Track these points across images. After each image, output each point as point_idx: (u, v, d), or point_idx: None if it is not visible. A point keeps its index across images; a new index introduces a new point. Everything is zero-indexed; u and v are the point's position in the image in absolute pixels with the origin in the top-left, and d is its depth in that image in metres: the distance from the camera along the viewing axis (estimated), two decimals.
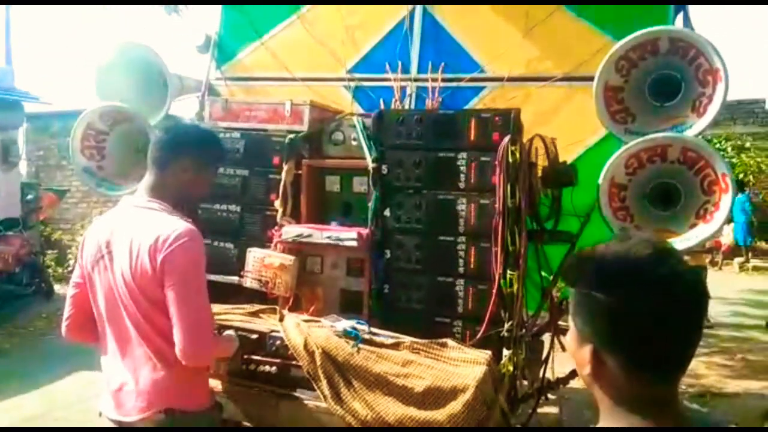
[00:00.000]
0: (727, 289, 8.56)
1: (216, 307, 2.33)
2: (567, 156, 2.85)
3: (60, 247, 10.85)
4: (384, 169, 2.48)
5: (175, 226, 1.78)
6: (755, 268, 10.99)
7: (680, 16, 3.26)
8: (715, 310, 6.92)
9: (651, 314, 0.89)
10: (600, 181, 2.48)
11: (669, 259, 0.93)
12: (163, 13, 6.25)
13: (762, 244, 12.03)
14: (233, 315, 2.29)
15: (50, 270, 9.43)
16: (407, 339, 2.13)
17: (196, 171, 1.95)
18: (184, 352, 1.71)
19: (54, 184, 11.23)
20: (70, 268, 10.49)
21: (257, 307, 2.40)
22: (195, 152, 1.95)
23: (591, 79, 2.61)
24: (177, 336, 1.71)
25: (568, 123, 3.06)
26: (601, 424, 0.97)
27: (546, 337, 2.71)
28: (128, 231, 1.81)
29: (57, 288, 8.87)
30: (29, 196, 9.28)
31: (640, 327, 0.90)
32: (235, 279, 2.62)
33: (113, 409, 1.82)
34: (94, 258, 1.86)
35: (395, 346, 2.08)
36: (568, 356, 1.08)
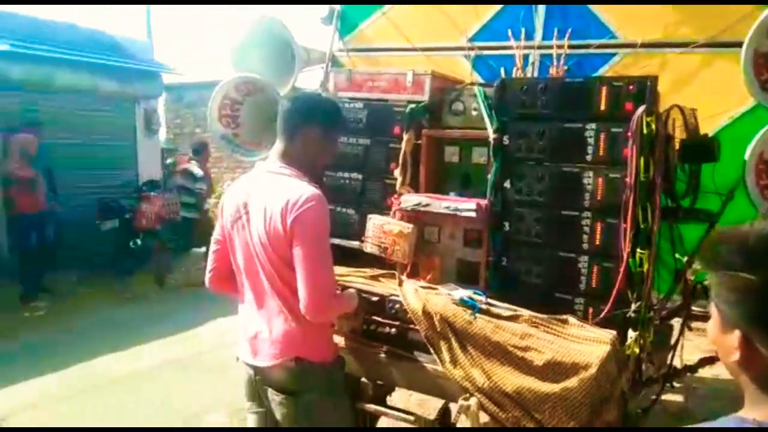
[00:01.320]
0: None
1: (338, 269, 2.45)
2: (708, 127, 2.63)
3: None
4: (505, 139, 2.44)
5: (303, 190, 1.89)
6: None
7: None
8: None
9: None
10: (746, 156, 2.27)
11: None
12: None
13: None
14: (354, 277, 2.40)
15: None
16: (525, 312, 2.11)
17: (322, 139, 2.05)
18: (307, 307, 1.83)
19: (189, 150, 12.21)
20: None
21: (377, 271, 2.49)
22: (321, 121, 2.05)
23: (736, 45, 2.37)
24: (301, 291, 1.84)
25: (709, 93, 2.81)
26: (747, 410, 0.92)
27: (675, 322, 2.56)
28: (262, 194, 1.95)
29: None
30: (168, 160, 10.19)
31: None
32: (355, 243, 2.73)
33: (249, 355, 2.00)
34: (233, 218, 2.03)
35: (513, 318, 2.08)
36: (698, 344, 1.03)
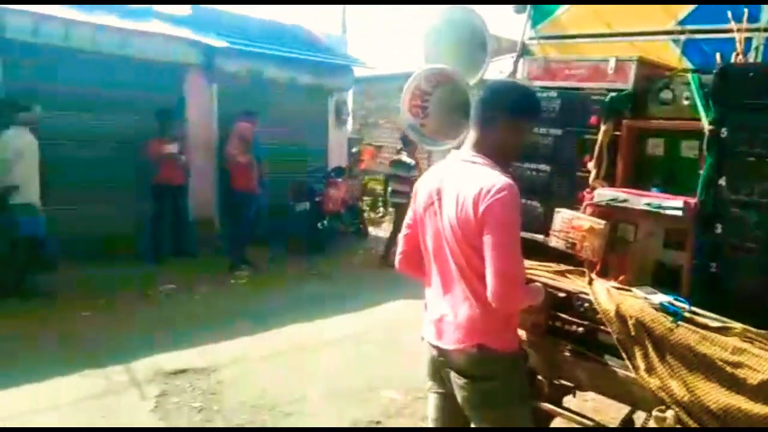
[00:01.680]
0: None
1: (524, 262, 2.42)
2: None
3: (373, 195, 12.52)
4: (723, 132, 2.18)
5: (496, 179, 1.89)
6: None
7: None
8: None
9: None
10: None
11: None
12: None
13: None
14: (540, 271, 2.35)
15: (366, 214, 10.97)
16: (737, 325, 1.89)
17: (517, 129, 2.03)
18: (494, 294, 1.83)
19: (372, 140, 12.93)
20: (380, 214, 12.06)
21: (564, 267, 2.41)
22: (518, 111, 2.02)
23: None
24: (489, 279, 1.84)
25: None
26: None
27: None
28: (456, 182, 1.99)
29: (370, 230, 10.33)
30: (354, 149, 10.89)
31: None
32: (539, 237, 2.67)
33: (434, 336, 2.07)
34: (426, 204, 2.10)
35: (722, 330, 1.87)
36: None
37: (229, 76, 8.37)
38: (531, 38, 3.81)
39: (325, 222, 8.88)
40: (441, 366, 2.07)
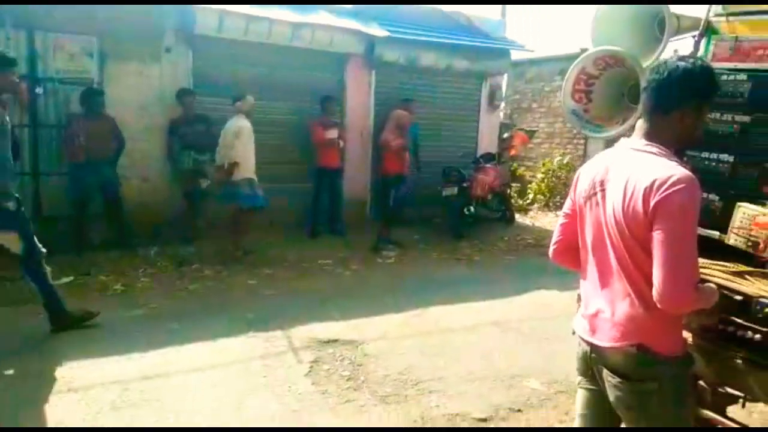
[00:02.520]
0: None
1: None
2: None
3: (522, 182, 12.22)
4: None
5: (673, 171, 1.76)
6: None
7: None
8: None
9: None
10: None
11: None
12: None
13: None
14: (714, 271, 2.16)
15: (513, 201, 10.74)
16: None
17: (698, 114, 1.87)
18: (661, 294, 1.72)
19: (524, 125, 12.57)
20: (528, 201, 11.74)
21: (743, 267, 2.18)
22: (699, 95, 1.86)
23: None
24: (656, 277, 1.73)
25: None
26: None
27: None
28: (624, 172, 1.88)
29: (517, 217, 10.11)
30: (505, 135, 10.67)
31: None
32: (715, 234, 2.44)
33: (587, 332, 2.00)
34: (588, 193, 2.02)
35: None
36: None
37: (387, 64, 8.64)
38: (717, 15, 3.44)
39: (472, 208, 8.86)
40: (593, 362, 2.00)
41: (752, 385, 1.91)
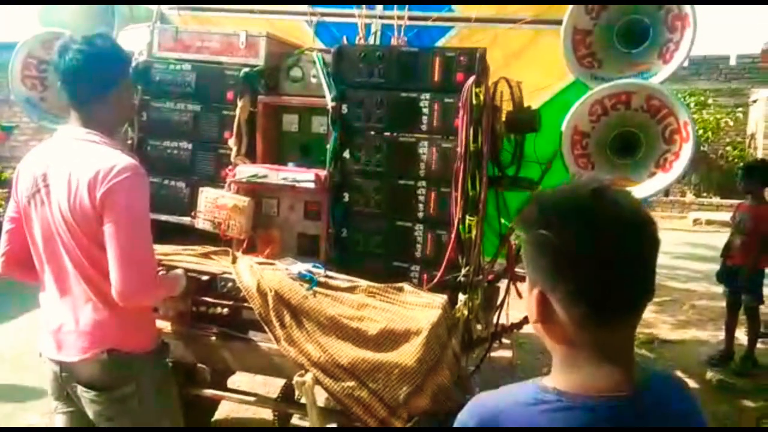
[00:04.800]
0: (679, 241, 8.88)
1: (165, 248, 2.25)
2: (533, 101, 2.79)
3: (11, 186, 10.41)
4: (344, 108, 2.38)
5: (116, 160, 1.67)
6: (708, 222, 11.33)
7: None
8: (666, 262, 7.17)
9: (591, 250, 0.86)
10: (563, 128, 2.44)
11: (612, 196, 0.89)
12: None
13: (716, 199, 12.37)
14: (183, 255, 2.21)
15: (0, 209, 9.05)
16: (363, 283, 2.10)
17: (129, 91, 1.86)
18: (120, 292, 1.63)
19: (2, 121, 10.69)
20: None
21: (209, 248, 2.32)
22: (123, 71, 1.84)
23: (559, 22, 2.54)
24: (113, 275, 1.63)
25: (535, 67, 2.98)
26: (552, 376, 0.93)
27: (503, 283, 2.72)
28: (67, 164, 1.69)
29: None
30: None
31: (580, 263, 0.86)
32: (186, 219, 2.53)
33: (53, 349, 1.75)
34: (30, 192, 1.74)
35: (351, 289, 2.05)
36: (523, 303, 1.04)
37: None
38: (170, 7, 3.57)
39: None
40: (66, 382, 1.76)
41: (227, 357, 2.05)
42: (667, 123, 2.32)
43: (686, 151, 2.25)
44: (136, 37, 3.12)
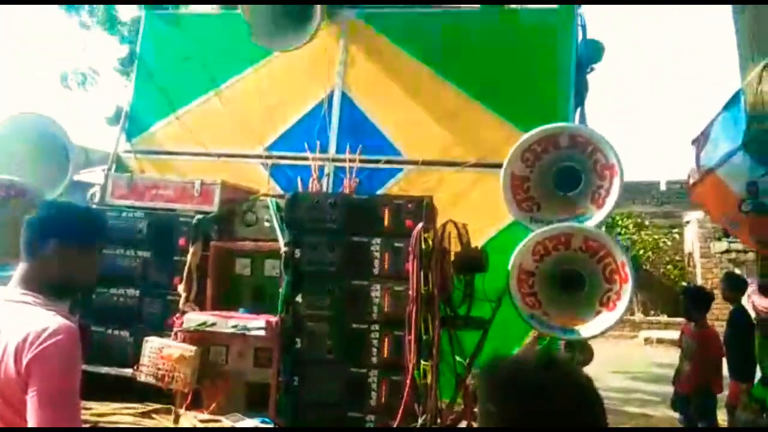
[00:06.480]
0: (633, 362, 8.94)
1: (103, 407, 2.11)
2: (478, 239, 2.90)
3: None
4: (297, 252, 2.41)
5: (48, 322, 1.58)
6: (659, 341, 11.50)
7: (578, 111, 3.49)
8: (621, 384, 7.14)
9: (532, 422, 0.88)
10: (509, 267, 2.52)
11: (557, 374, 0.92)
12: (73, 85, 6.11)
13: (664, 317, 12.68)
14: (121, 416, 2.07)
15: None
16: None
17: (76, 257, 1.77)
18: None
19: None
20: None
21: (150, 406, 2.18)
22: (73, 237, 1.77)
23: (500, 165, 2.69)
24: None
25: (479, 207, 3.13)
26: None
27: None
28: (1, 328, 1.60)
29: None
30: None
31: None
32: (129, 371, 2.40)
33: None
34: None
35: None
36: None
37: None
38: (126, 151, 3.66)
39: None
40: None
41: None
42: (606, 263, 2.43)
43: (626, 292, 2.34)
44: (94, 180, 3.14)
